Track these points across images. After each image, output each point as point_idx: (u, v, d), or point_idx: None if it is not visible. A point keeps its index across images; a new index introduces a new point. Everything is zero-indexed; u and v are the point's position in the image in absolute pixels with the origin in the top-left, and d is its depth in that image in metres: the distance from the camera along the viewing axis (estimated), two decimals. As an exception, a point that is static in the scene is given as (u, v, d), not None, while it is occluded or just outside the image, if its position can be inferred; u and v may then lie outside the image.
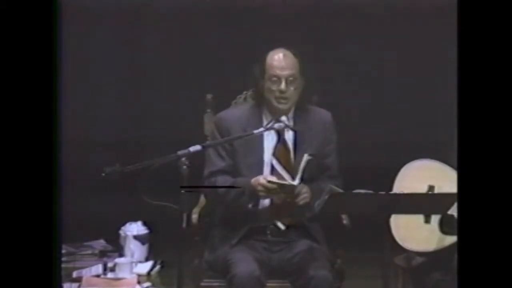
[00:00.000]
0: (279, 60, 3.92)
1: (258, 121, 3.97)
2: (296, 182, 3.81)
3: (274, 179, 3.83)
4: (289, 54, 3.93)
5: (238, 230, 3.91)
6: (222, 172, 3.95)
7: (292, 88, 3.90)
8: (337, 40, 5.78)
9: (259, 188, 3.80)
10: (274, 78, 3.90)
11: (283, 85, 3.89)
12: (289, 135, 3.96)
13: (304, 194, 3.83)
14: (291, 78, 3.90)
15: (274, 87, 3.90)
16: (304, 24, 5.75)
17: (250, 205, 3.88)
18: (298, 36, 5.58)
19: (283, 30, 5.59)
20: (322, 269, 3.76)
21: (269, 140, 3.95)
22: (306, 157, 3.81)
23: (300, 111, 4.00)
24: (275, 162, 3.95)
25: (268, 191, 3.80)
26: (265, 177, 3.82)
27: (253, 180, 3.83)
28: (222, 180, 3.93)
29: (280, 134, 3.95)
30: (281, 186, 3.80)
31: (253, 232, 3.91)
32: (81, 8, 5.49)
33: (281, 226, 3.91)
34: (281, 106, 3.93)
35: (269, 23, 5.69)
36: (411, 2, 5.64)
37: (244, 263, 3.76)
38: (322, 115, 4.06)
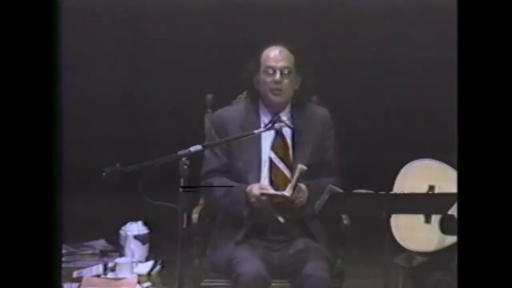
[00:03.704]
0: (275, 53, 3.96)
1: (255, 117, 3.99)
2: (288, 193, 3.79)
3: (268, 189, 3.82)
4: (285, 50, 3.97)
5: (240, 228, 3.91)
6: (217, 171, 3.96)
7: (286, 81, 3.93)
8: (337, 39, 5.78)
9: (253, 199, 3.82)
10: (270, 70, 3.93)
11: (277, 76, 3.91)
12: (287, 130, 3.97)
13: (300, 198, 3.84)
14: (286, 71, 3.93)
15: (268, 79, 3.93)
16: (305, 24, 5.76)
17: (245, 212, 3.88)
18: (299, 36, 5.58)
19: (284, 30, 5.59)
20: (320, 269, 3.76)
21: (267, 135, 3.96)
22: (299, 167, 3.79)
23: (298, 109, 4.02)
24: (273, 156, 3.96)
25: (261, 203, 3.81)
26: (259, 187, 3.84)
27: (248, 189, 3.85)
28: (218, 181, 3.94)
29: (278, 129, 3.95)
30: (274, 197, 3.80)
31: (254, 230, 3.92)
32: (81, 8, 5.49)
33: (280, 219, 3.90)
34: (276, 99, 3.94)
35: (270, 23, 5.69)
36: (411, 1, 5.64)
37: (250, 262, 3.77)
38: (320, 111, 4.09)
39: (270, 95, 3.95)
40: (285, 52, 3.97)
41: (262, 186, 3.87)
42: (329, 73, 5.50)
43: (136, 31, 5.88)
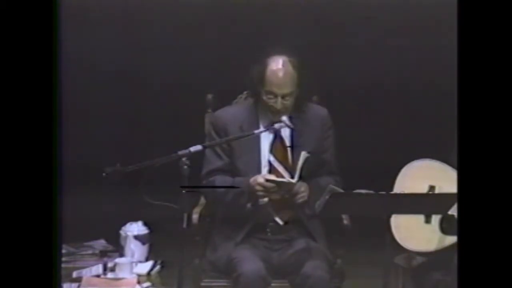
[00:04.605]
0: (278, 77, 3.88)
1: (254, 119, 3.99)
2: (294, 180, 3.81)
3: (272, 177, 3.83)
4: (288, 66, 3.89)
5: (240, 228, 3.91)
6: (220, 171, 3.96)
7: (287, 103, 3.91)
8: (337, 39, 5.78)
9: (258, 187, 3.81)
10: (270, 96, 3.90)
11: (279, 104, 3.89)
12: (285, 132, 3.96)
13: (302, 193, 3.84)
14: (287, 97, 3.90)
15: (270, 103, 3.91)
16: (305, 24, 5.76)
17: (249, 205, 3.88)
18: (299, 35, 5.58)
19: (285, 30, 5.59)
20: (319, 269, 3.77)
21: (266, 137, 3.95)
22: (303, 154, 3.81)
23: (297, 109, 4.00)
24: (272, 159, 3.95)
25: (267, 190, 3.81)
26: (263, 176, 3.83)
27: (251, 180, 3.84)
28: (220, 179, 3.94)
29: (276, 131, 3.94)
30: (280, 184, 3.81)
31: (254, 230, 3.92)
32: (81, 8, 5.49)
33: (279, 221, 3.90)
34: (275, 116, 3.93)
35: (271, 22, 5.69)
36: (411, 1, 5.64)
37: (250, 261, 3.77)
38: (318, 110, 4.08)
39: (270, 112, 3.93)
40: (288, 71, 3.88)
41: (267, 174, 3.87)
42: (329, 73, 5.50)
43: (136, 31, 5.87)
